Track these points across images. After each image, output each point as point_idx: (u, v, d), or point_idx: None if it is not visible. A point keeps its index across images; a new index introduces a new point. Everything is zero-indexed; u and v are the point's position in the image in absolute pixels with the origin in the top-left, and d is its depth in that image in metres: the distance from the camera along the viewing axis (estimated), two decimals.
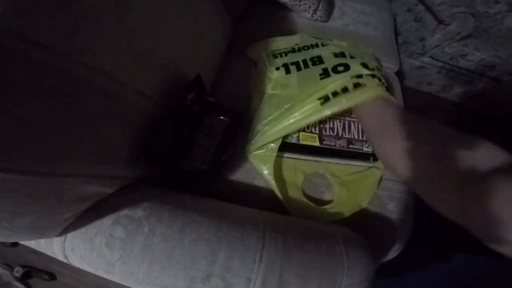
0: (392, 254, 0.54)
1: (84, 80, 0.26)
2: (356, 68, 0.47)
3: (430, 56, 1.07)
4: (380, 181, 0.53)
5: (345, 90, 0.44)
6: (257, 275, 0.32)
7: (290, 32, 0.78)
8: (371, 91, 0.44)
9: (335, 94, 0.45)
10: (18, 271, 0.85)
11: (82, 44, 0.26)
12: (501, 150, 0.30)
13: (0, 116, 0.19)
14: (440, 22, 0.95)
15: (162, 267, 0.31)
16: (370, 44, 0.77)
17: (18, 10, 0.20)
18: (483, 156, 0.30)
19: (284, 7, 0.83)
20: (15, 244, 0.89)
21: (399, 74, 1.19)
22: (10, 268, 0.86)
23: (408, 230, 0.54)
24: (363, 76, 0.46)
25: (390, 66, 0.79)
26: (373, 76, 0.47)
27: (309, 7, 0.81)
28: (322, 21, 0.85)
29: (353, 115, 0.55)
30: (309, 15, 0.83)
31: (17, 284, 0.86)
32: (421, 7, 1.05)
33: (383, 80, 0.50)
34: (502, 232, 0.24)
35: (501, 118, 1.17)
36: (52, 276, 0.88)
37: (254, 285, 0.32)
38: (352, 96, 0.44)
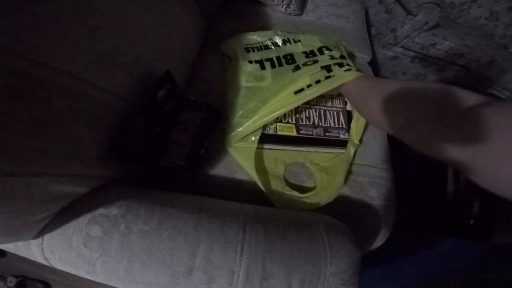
0: (379, 240, 0.55)
1: (45, 80, 0.26)
2: (324, 60, 0.51)
3: (402, 47, 1.11)
4: (359, 167, 0.55)
5: (317, 82, 0.47)
6: (240, 267, 0.32)
7: (264, 26, 0.78)
8: (340, 79, 0.47)
9: (309, 86, 0.47)
10: (12, 281, 0.83)
11: (41, 45, 0.26)
12: (472, 92, 0.32)
13: None
14: (408, 12, 0.99)
15: (142, 264, 0.31)
16: (342, 35, 0.79)
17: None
18: (457, 96, 0.33)
19: (258, 2, 0.84)
20: (2, 254, 0.86)
21: (374, 64, 1.23)
22: (4, 278, 0.85)
23: (391, 215, 0.55)
24: (331, 65, 0.49)
25: (363, 57, 0.81)
26: (340, 64, 0.50)
27: (282, 1, 0.82)
28: (295, 15, 0.86)
29: (328, 104, 0.57)
30: (282, 9, 0.84)
31: None
32: None
33: (352, 65, 0.52)
34: (484, 164, 0.25)
35: None
36: (47, 285, 0.87)
37: (238, 277, 0.32)
38: (323, 85, 0.46)
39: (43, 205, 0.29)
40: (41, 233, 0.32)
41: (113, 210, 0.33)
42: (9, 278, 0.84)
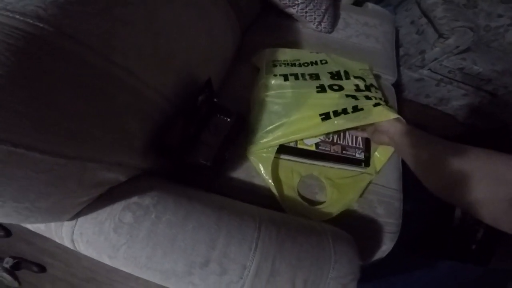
0: (379, 255, 0.57)
1: (115, 78, 0.32)
2: (349, 89, 0.54)
3: (429, 69, 1.11)
4: (369, 184, 0.57)
5: (344, 111, 0.50)
6: (252, 263, 0.35)
7: (295, 42, 0.82)
8: (370, 116, 0.49)
9: (335, 113, 0.50)
10: (8, 262, 0.84)
11: (117, 46, 0.32)
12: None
13: (42, 102, 0.23)
14: (440, 35, 0.99)
15: (164, 252, 0.33)
16: (370, 55, 0.81)
17: (68, 12, 0.26)
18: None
19: (290, 17, 0.88)
20: (8, 234, 0.89)
21: (397, 85, 1.23)
22: (1, 259, 0.85)
23: (394, 232, 0.57)
24: (358, 98, 0.52)
25: (388, 78, 0.83)
26: (367, 97, 0.52)
27: (315, 18, 0.86)
28: (326, 32, 0.89)
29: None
30: (314, 26, 0.88)
31: (5, 275, 0.84)
32: (424, 20, 1.09)
33: (380, 97, 0.55)
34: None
35: (496, 131, 1.20)
36: (42, 268, 0.87)
37: (249, 272, 0.34)
38: (351, 118, 0.49)
39: (89, 189, 0.32)
40: (77, 215, 0.34)
41: (146, 200, 0.36)
42: (6, 259, 0.84)
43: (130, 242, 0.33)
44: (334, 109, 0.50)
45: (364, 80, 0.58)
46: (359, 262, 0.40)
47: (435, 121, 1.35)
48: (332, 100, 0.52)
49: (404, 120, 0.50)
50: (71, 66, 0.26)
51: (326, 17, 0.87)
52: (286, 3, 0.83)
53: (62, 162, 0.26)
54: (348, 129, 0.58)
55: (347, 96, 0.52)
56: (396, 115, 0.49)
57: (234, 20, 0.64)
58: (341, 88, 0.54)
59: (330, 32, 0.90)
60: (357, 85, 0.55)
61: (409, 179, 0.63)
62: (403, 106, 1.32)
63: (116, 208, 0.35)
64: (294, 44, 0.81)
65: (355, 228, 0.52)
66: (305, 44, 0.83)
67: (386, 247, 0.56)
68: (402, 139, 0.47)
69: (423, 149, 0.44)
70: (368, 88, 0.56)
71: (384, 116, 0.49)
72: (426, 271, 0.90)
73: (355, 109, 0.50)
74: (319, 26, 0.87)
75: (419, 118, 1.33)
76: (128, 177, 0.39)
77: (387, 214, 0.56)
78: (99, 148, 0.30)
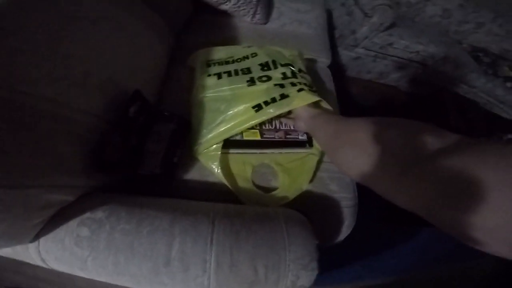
0: (345, 230, 0.59)
1: (29, 107, 0.32)
2: (276, 77, 0.58)
3: (363, 47, 1.20)
4: (319, 164, 0.61)
5: (273, 100, 0.53)
6: (211, 256, 0.37)
7: (231, 37, 0.84)
8: (294, 101, 0.53)
9: (266, 103, 0.53)
10: None
11: (21, 75, 0.31)
12: (444, 131, 0.27)
13: None
14: (365, 15, 1.07)
15: (126, 258, 0.36)
16: (304, 41, 0.86)
17: None
18: (426, 138, 0.27)
19: (225, 13, 0.89)
20: None
21: (339, 65, 1.32)
22: None
23: (352, 206, 0.60)
24: (285, 85, 0.55)
25: (323, 61, 0.88)
26: (293, 84, 0.56)
27: (248, 11, 0.88)
28: (261, 23, 0.92)
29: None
30: (249, 19, 0.90)
31: None
32: (351, 1, 1.16)
33: (305, 82, 0.58)
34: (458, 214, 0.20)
35: (434, 95, 1.34)
36: None
37: (210, 264, 0.37)
38: (278, 105, 0.52)
39: (38, 211, 0.34)
40: (37, 236, 0.36)
41: (98, 214, 0.38)
42: None
43: (93, 253, 0.36)
44: (265, 99, 0.53)
45: (292, 66, 0.62)
46: (314, 241, 0.42)
47: (382, 94, 1.47)
48: (262, 92, 0.55)
49: (322, 101, 0.54)
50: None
51: (259, 8, 0.89)
52: (218, 1, 0.83)
53: (1, 192, 0.28)
54: (281, 117, 0.61)
55: (275, 85, 0.55)
56: (316, 99, 0.53)
57: (161, 25, 0.63)
58: (269, 79, 0.57)
59: (265, 23, 0.93)
60: (284, 73, 0.59)
61: None
62: (349, 84, 1.42)
63: (71, 225, 0.37)
64: (231, 39, 0.82)
65: (313, 208, 0.56)
66: (242, 38, 0.84)
67: (348, 222, 0.59)
68: (311, 123, 0.50)
69: (323, 130, 0.44)
70: (294, 74, 0.59)
71: (307, 100, 0.53)
72: (407, 241, 0.94)
73: (283, 96, 0.53)
74: (253, 19, 0.89)
75: (366, 93, 1.44)
76: (77, 197, 0.41)
77: (340, 189, 0.60)
78: (34, 175, 0.32)
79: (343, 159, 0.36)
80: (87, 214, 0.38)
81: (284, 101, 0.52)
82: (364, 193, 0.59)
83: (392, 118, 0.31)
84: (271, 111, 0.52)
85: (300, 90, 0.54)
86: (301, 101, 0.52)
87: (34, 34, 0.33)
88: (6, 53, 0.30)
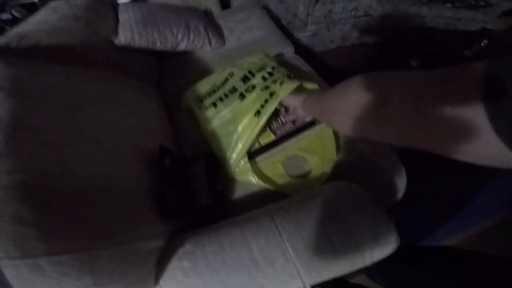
0: (400, 184, 0.58)
1: (98, 186, 0.40)
2: (259, 83, 0.65)
3: (312, 24, 1.28)
4: (337, 133, 0.64)
5: (266, 101, 0.60)
6: (286, 245, 0.41)
7: (204, 67, 0.90)
8: (280, 93, 0.59)
9: (262, 106, 0.60)
10: None
11: (71, 160, 0.39)
12: (398, 71, 0.30)
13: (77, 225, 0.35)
14: None
15: (226, 273, 0.41)
16: (263, 43, 0.93)
17: (24, 152, 0.34)
18: (385, 83, 0.30)
19: (186, 52, 0.95)
20: None
21: (303, 48, 1.39)
22: None
23: (390, 155, 0.60)
24: (269, 86, 0.62)
25: (287, 50, 0.95)
26: (274, 81, 0.63)
27: (203, 42, 0.94)
28: (220, 46, 0.98)
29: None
30: (208, 48, 0.96)
31: None
32: None
33: (282, 74, 0.65)
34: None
35: (394, 38, 1.42)
36: None
37: (289, 252, 0.41)
38: (271, 102, 0.59)
39: (146, 257, 0.43)
40: (156, 280, 0.43)
41: (187, 247, 0.45)
42: None
43: (202, 278, 0.42)
44: (260, 104, 0.60)
45: (266, 68, 0.68)
46: (369, 197, 0.46)
47: (355, 54, 1.55)
48: (254, 100, 0.62)
49: (304, 83, 0.62)
50: (71, 197, 0.36)
51: (210, 35, 0.95)
52: (173, 45, 0.89)
53: (117, 249, 0.38)
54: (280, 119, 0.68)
55: (262, 89, 0.62)
56: (297, 83, 0.60)
57: (139, 84, 0.70)
58: (254, 87, 0.65)
59: (223, 44, 1.00)
60: (263, 77, 0.66)
61: None
62: (323, 57, 1.49)
63: (174, 262, 0.44)
64: (205, 70, 0.88)
65: (354, 174, 0.57)
66: (213, 65, 0.90)
67: (396, 173, 0.59)
68: (305, 107, 0.55)
69: (314, 109, 0.49)
70: (271, 73, 0.66)
71: (290, 88, 0.59)
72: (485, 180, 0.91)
73: (272, 94, 0.60)
74: (211, 46, 0.96)
75: (342, 59, 1.51)
76: (166, 240, 0.48)
77: (368, 143, 0.61)
78: (131, 231, 0.42)
79: (336, 126, 0.41)
80: (180, 250, 0.45)
81: (274, 96, 0.59)
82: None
83: (360, 75, 0.35)
84: (268, 109, 0.59)
85: (281, 83, 0.60)
86: (286, 91, 0.59)
87: (56, 128, 0.40)
88: (52, 147, 0.38)
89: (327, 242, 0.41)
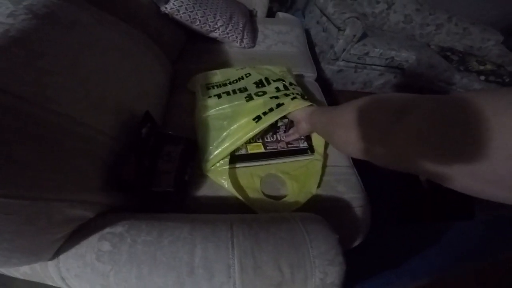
0: (363, 230, 0.60)
1: (55, 125, 0.35)
2: (271, 91, 0.63)
3: (343, 60, 1.29)
4: (324, 169, 0.63)
5: (271, 109, 0.58)
6: (234, 260, 0.37)
7: (224, 61, 0.90)
8: (289, 107, 0.58)
9: (264, 113, 0.58)
10: None
11: (49, 95, 0.35)
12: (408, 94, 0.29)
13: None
14: (338, 28, 1.16)
15: (150, 269, 0.36)
16: (289, 59, 0.93)
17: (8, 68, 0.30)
18: (399, 99, 0.29)
19: (215, 41, 0.96)
20: None
21: (324, 80, 1.40)
22: None
23: (363, 205, 0.61)
24: (279, 97, 0.60)
25: (309, 75, 0.95)
26: (286, 94, 0.61)
27: (236, 37, 0.95)
28: (249, 47, 0.99)
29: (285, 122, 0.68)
30: (237, 44, 0.97)
31: None
32: (324, 18, 1.27)
33: (297, 92, 0.64)
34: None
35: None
36: None
37: (234, 269, 0.37)
38: (275, 113, 0.57)
39: (60, 226, 0.36)
40: (57, 253, 0.37)
41: (118, 228, 0.39)
42: None
43: (115, 267, 0.35)
44: (263, 111, 0.58)
45: (283, 81, 0.67)
46: (335, 236, 0.43)
47: None
48: (260, 105, 0.60)
49: (314, 105, 0.59)
50: (11, 119, 0.30)
51: (245, 34, 0.97)
52: (208, 29, 0.90)
53: (27, 203, 0.30)
54: (279, 136, 0.66)
55: (271, 98, 0.61)
56: (308, 103, 0.58)
57: (160, 53, 0.69)
58: (265, 93, 0.63)
59: (252, 47, 1.00)
60: (277, 87, 0.64)
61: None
62: (337, 96, 1.50)
63: (92, 241, 0.37)
64: (224, 64, 0.88)
65: (325, 211, 0.54)
66: (234, 62, 0.91)
67: (363, 222, 0.60)
68: (311, 119, 0.54)
69: (320, 122, 0.48)
70: (286, 87, 0.65)
71: (300, 105, 0.57)
72: (433, 239, 0.88)
73: (278, 105, 0.58)
74: (242, 43, 0.97)
75: None
76: (96, 213, 0.42)
77: (348, 189, 0.62)
78: (58, 189, 0.34)
79: (338, 140, 0.40)
80: (107, 229, 0.38)
81: (280, 108, 0.57)
82: (378, 195, 0.62)
83: (369, 96, 0.34)
84: (269, 118, 0.57)
85: (293, 98, 0.59)
86: (295, 106, 0.57)
87: (57, 58, 0.37)
88: (38, 73, 0.34)
89: (277, 270, 0.38)
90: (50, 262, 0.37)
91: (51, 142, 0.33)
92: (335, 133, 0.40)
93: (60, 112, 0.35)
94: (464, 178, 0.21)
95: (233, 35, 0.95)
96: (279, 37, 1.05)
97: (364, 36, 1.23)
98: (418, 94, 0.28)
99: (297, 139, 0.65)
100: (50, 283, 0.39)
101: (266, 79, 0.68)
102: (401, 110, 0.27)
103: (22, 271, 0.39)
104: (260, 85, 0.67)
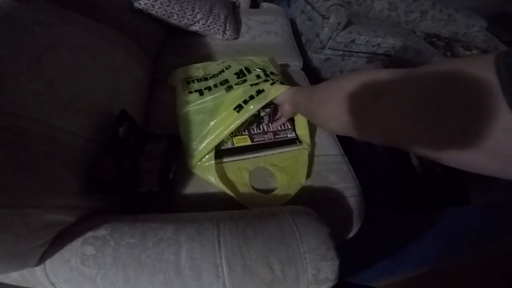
0: (357, 222, 0.58)
1: (21, 129, 0.33)
2: (251, 79, 0.61)
3: (330, 48, 1.27)
4: (313, 158, 0.62)
5: (251, 97, 0.56)
6: (222, 260, 0.36)
7: (207, 54, 0.87)
8: (270, 93, 0.56)
9: (245, 101, 0.56)
10: None
11: (11, 99, 0.33)
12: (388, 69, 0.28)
13: None
14: (323, 16, 1.14)
15: (135, 272, 0.35)
16: (274, 49, 0.91)
17: None
18: (377, 76, 0.29)
19: (197, 34, 0.93)
20: None
21: (311, 69, 1.38)
22: None
23: (356, 195, 0.60)
24: (259, 83, 0.58)
25: (295, 64, 0.93)
26: (266, 81, 0.59)
27: (218, 29, 0.92)
28: (232, 39, 0.96)
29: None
30: (220, 37, 0.94)
31: None
32: (309, 7, 1.25)
33: (277, 79, 0.62)
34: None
35: None
36: None
37: (222, 268, 0.35)
38: (257, 101, 0.55)
39: (39, 231, 0.34)
40: (42, 259, 0.36)
41: (101, 231, 0.38)
42: None
43: (101, 270, 0.35)
44: (243, 99, 0.56)
45: (265, 70, 0.65)
46: (326, 229, 0.41)
47: None
48: (240, 94, 0.58)
49: (295, 87, 0.57)
50: None
51: (228, 25, 0.94)
52: (187, 23, 0.87)
53: (1, 210, 0.29)
54: (265, 127, 0.65)
55: (251, 85, 0.58)
56: (288, 87, 0.57)
57: (136, 50, 0.66)
58: (245, 81, 0.60)
59: (236, 38, 0.97)
60: (258, 75, 0.62)
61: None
62: None
63: (75, 245, 0.36)
64: (206, 57, 0.85)
65: (317, 203, 0.54)
66: (217, 55, 0.88)
67: (357, 212, 0.59)
68: (292, 99, 0.53)
69: (302, 100, 0.48)
70: (267, 75, 0.63)
71: (280, 90, 0.56)
72: (428, 226, 0.90)
73: (259, 92, 0.56)
74: (224, 35, 0.94)
75: None
76: (78, 218, 0.40)
77: (340, 179, 0.61)
78: (31, 195, 0.33)
79: (320, 116, 0.39)
80: (90, 233, 0.37)
81: (261, 95, 0.56)
82: (370, 184, 0.61)
83: (349, 73, 0.34)
84: (251, 108, 0.55)
85: (273, 83, 0.57)
86: (276, 91, 0.56)
87: (17, 60, 0.35)
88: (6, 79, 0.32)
89: (267, 268, 0.36)
90: (37, 268, 0.36)
91: (18, 147, 0.32)
92: (317, 110, 0.40)
93: (24, 116, 0.33)
94: (455, 150, 0.19)
95: (214, 27, 0.92)
96: (263, 27, 1.03)
97: (349, 24, 1.21)
98: (397, 69, 0.27)
99: (284, 129, 0.64)
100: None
101: (247, 68, 0.66)
102: (382, 83, 0.27)
103: (13, 278, 0.39)
104: (241, 75, 0.64)
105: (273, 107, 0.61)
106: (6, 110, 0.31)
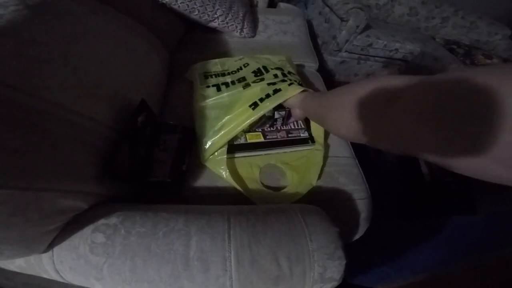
0: (363, 225, 0.58)
1: (45, 113, 0.34)
2: (269, 78, 0.61)
3: (346, 51, 1.26)
4: (325, 159, 0.62)
5: (268, 95, 0.56)
6: (230, 253, 0.36)
7: (224, 51, 0.88)
8: (286, 93, 0.56)
9: (261, 99, 0.56)
10: None
11: (39, 83, 0.34)
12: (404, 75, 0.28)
13: None
14: (341, 19, 1.13)
15: (144, 261, 0.35)
16: (290, 49, 0.90)
17: None
18: (395, 82, 0.28)
19: (215, 30, 0.94)
20: None
21: (326, 71, 1.37)
22: None
23: (365, 198, 0.59)
24: (276, 83, 0.59)
25: (311, 65, 0.93)
26: (284, 81, 0.60)
27: (236, 27, 0.93)
28: (249, 37, 0.97)
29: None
30: (237, 34, 0.95)
31: None
32: (327, 9, 1.24)
33: (295, 79, 0.62)
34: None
35: None
36: None
37: (231, 261, 0.35)
38: (273, 99, 0.56)
39: (52, 217, 0.34)
40: (51, 246, 0.36)
41: (113, 219, 0.38)
42: None
43: (109, 259, 0.35)
44: (260, 97, 0.57)
45: (282, 69, 0.65)
46: (335, 229, 0.42)
47: None
48: (257, 92, 0.58)
49: (309, 90, 0.57)
50: (17, 116, 0.29)
51: (245, 23, 0.95)
52: (207, 19, 0.88)
53: (16, 193, 0.28)
54: (276, 126, 0.65)
55: (269, 84, 0.59)
56: (305, 88, 0.57)
57: (156, 43, 0.67)
58: (262, 80, 0.61)
59: (253, 36, 0.98)
60: (275, 75, 0.63)
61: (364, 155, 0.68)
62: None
63: (85, 232, 0.36)
64: (223, 54, 0.86)
65: (326, 204, 0.53)
66: (233, 52, 0.88)
67: (364, 215, 0.59)
68: (302, 104, 0.53)
69: (313, 105, 0.48)
70: (285, 75, 0.63)
71: (297, 90, 0.56)
72: (431, 234, 0.88)
73: (275, 91, 0.57)
74: (242, 33, 0.95)
75: None
76: (90, 204, 0.40)
77: (350, 181, 0.60)
78: (48, 179, 0.32)
79: (331, 122, 0.39)
80: (101, 221, 0.38)
81: (278, 94, 0.56)
82: (378, 188, 0.61)
83: (362, 79, 0.34)
84: (267, 105, 0.55)
85: (290, 84, 0.58)
86: (292, 92, 0.56)
87: (48, 46, 0.36)
88: (27, 62, 0.33)
89: (275, 264, 0.36)
90: (44, 255, 0.36)
91: (41, 129, 0.32)
92: (328, 115, 0.39)
93: (50, 100, 0.34)
94: (467, 157, 0.19)
95: (233, 24, 0.93)
96: (280, 27, 1.03)
97: (367, 27, 1.20)
98: (413, 75, 0.27)
99: (297, 128, 0.64)
100: (45, 276, 0.38)
101: (264, 67, 0.66)
102: (398, 89, 0.26)
103: (17, 264, 0.39)
104: (258, 74, 0.65)
105: (288, 110, 0.61)
106: (35, 93, 0.32)
